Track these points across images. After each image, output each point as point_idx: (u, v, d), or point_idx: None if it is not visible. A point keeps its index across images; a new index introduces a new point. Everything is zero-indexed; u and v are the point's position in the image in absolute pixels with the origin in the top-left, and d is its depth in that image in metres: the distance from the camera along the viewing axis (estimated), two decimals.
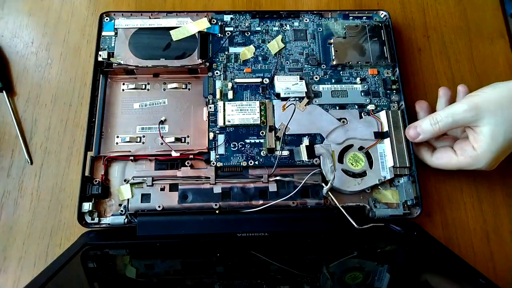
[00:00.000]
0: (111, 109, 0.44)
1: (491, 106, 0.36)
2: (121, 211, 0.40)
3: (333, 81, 0.45)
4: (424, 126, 0.39)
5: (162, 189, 0.41)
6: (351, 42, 0.46)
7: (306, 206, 0.40)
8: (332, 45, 0.46)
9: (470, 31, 0.51)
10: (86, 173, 0.40)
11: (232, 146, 0.42)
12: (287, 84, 0.44)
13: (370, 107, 0.44)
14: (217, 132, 0.42)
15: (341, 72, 0.46)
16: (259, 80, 0.45)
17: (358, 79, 0.45)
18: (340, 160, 0.42)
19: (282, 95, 0.44)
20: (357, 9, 0.50)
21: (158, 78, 0.46)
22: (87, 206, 0.39)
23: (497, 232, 0.42)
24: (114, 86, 0.45)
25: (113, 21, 0.46)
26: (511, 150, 0.38)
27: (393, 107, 0.44)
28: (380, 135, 0.43)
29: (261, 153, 0.42)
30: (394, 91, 0.45)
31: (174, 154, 0.41)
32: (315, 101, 0.44)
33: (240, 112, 0.43)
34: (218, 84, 0.45)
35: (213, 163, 0.41)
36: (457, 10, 0.52)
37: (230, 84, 0.45)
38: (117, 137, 0.43)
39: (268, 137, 0.42)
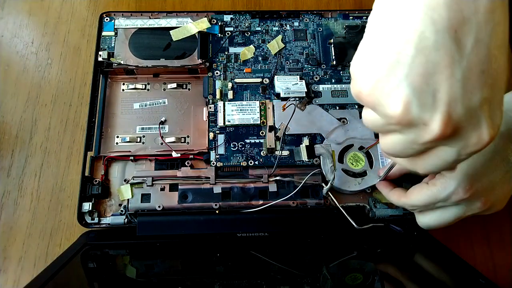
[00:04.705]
0: (111, 109, 0.44)
1: None
2: (121, 211, 0.40)
3: (333, 81, 0.45)
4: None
5: (162, 189, 0.41)
6: (351, 42, 0.46)
7: (306, 206, 0.40)
8: (332, 45, 0.46)
9: None
10: (86, 173, 0.40)
11: (232, 146, 0.42)
12: (287, 84, 0.44)
13: None
14: (217, 132, 0.42)
15: (341, 72, 0.46)
16: (259, 80, 0.45)
17: None
18: (340, 160, 0.42)
19: (282, 95, 0.44)
20: (357, 9, 0.50)
21: (158, 78, 0.46)
22: (87, 206, 0.39)
23: (497, 232, 0.42)
24: (114, 86, 0.45)
25: (113, 21, 0.46)
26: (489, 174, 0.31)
27: None
28: None
29: (261, 153, 0.42)
30: None
31: (174, 155, 0.41)
32: (315, 101, 0.44)
33: (240, 112, 0.43)
34: (218, 84, 0.45)
35: (213, 163, 0.41)
36: None
37: (230, 84, 0.45)
38: (117, 137, 0.43)
39: (268, 137, 0.42)
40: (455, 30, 0.19)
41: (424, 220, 0.35)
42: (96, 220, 0.40)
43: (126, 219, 0.40)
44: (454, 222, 0.33)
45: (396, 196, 0.36)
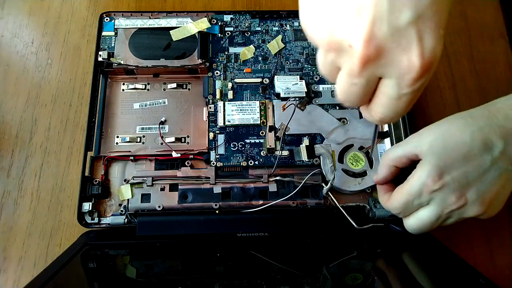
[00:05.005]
0: (111, 109, 0.44)
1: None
2: (121, 211, 0.40)
3: None
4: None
5: (162, 189, 0.41)
6: None
7: (306, 206, 0.40)
8: None
9: (470, 31, 0.51)
10: (86, 173, 0.40)
11: (232, 146, 0.42)
12: (287, 84, 0.44)
13: None
14: (217, 132, 0.42)
15: None
16: (259, 80, 0.45)
17: None
18: (340, 160, 0.42)
19: (282, 95, 0.44)
20: None
21: (158, 78, 0.46)
22: (87, 206, 0.39)
23: (497, 232, 0.42)
24: (114, 86, 0.45)
25: (113, 21, 0.46)
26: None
27: None
28: (380, 135, 0.43)
29: (261, 153, 0.42)
30: None
31: (174, 155, 0.41)
32: (315, 101, 0.44)
33: (240, 112, 0.43)
34: (218, 84, 0.45)
35: (213, 163, 0.41)
36: (457, 10, 0.52)
37: (230, 84, 0.45)
38: (117, 137, 0.43)
39: (268, 137, 0.42)
40: None
41: (409, 223, 0.35)
42: (96, 220, 0.40)
43: (126, 219, 0.40)
44: (438, 223, 0.33)
45: (383, 201, 0.36)
